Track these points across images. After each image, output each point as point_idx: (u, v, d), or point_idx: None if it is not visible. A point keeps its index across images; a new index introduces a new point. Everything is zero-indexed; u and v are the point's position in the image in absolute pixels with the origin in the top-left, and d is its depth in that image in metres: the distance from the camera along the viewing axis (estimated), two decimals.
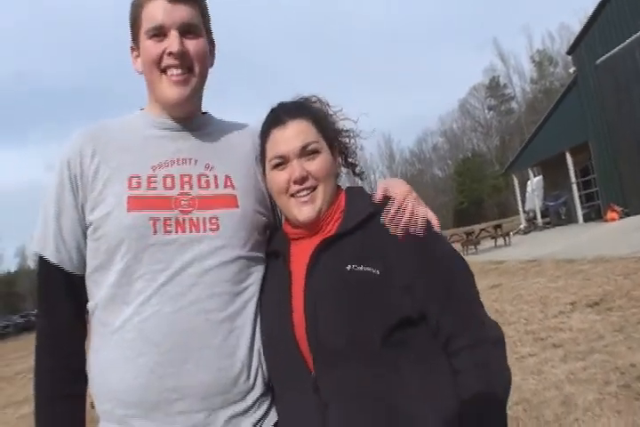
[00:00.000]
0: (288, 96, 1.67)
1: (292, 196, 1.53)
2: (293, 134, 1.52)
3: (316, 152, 1.53)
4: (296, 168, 1.50)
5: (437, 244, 1.49)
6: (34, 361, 1.55)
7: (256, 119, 1.68)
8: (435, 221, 1.51)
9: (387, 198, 1.53)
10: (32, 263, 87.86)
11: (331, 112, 1.66)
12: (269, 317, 1.53)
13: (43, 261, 1.54)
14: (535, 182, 30.03)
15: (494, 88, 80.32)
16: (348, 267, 1.43)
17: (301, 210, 1.52)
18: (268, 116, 1.62)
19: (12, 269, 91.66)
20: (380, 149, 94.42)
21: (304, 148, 1.52)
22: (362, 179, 1.75)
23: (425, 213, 1.50)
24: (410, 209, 1.48)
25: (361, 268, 1.42)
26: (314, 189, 1.52)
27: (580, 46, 23.27)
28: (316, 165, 1.52)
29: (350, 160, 1.70)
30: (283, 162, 1.53)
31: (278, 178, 1.53)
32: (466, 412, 1.34)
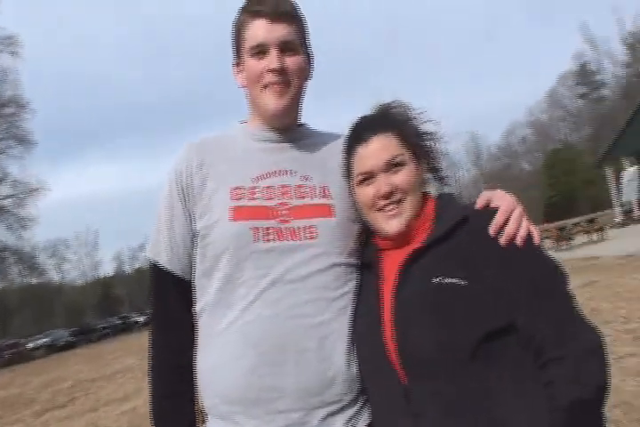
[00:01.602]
0: (368, 100, 1.69)
1: (380, 210, 1.53)
2: (377, 150, 1.54)
3: (400, 165, 1.53)
4: (382, 183, 1.52)
5: (534, 255, 1.44)
6: (149, 359, 1.66)
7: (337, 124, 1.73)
8: (537, 236, 1.46)
9: (487, 207, 1.51)
10: (128, 267, 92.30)
11: (413, 115, 1.64)
12: (361, 328, 1.56)
13: (155, 267, 1.65)
14: (631, 173, 28.49)
15: (584, 75, 76.96)
16: (435, 280, 1.42)
17: (389, 223, 1.53)
18: (351, 132, 1.64)
19: (110, 274, 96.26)
20: (465, 144, 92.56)
21: (388, 162, 1.53)
22: (445, 184, 1.73)
23: (529, 226, 1.46)
24: (517, 220, 1.45)
25: (447, 280, 1.41)
26: (400, 201, 1.52)
27: None
28: (401, 177, 1.53)
29: (434, 165, 1.67)
30: (368, 177, 1.55)
31: (365, 193, 1.55)
32: (558, 425, 1.28)
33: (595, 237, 21.31)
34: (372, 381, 1.54)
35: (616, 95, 70.80)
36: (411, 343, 1.40)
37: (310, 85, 1.74)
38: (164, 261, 1.63)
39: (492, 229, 1.43)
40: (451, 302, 1.39)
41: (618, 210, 29.10)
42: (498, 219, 1.44)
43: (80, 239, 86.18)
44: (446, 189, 1.73)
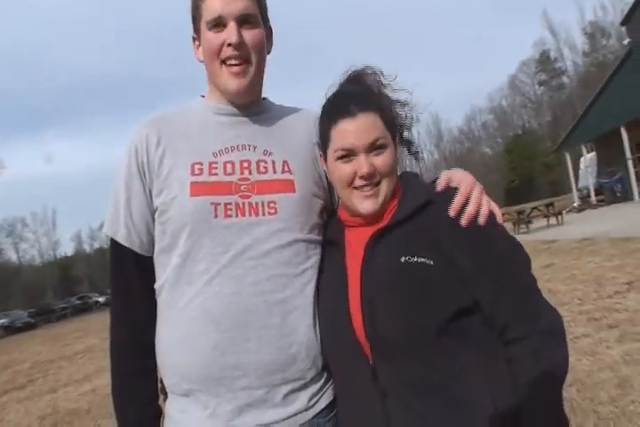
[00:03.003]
0: (339, 67, 1.67)
1: (356, 188, 1.52)
2: (363, 128, 1.49)
3: (382, 147, 1.51)
4: (364, 163, 1.49)
5: (496, 235, 1.46)
6: (109, 337, 1.64)
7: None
8: (499, 214, 1.49)
9: (448, 187, 1.51)
10: (88, 247, 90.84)
11: (385, 82, 1.64)
12: (326, 307, 1.56)
13: (114, 243, 1.62)
14: (588, 159, 29.20)
15: (545, 62, 77.82)
16: (403, 258, 1.43)
17: (364, 203, 1.52)
18: (334, 102, 1.59)
19: (69, 253, 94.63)
20: (427, 128, 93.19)
21: (373, 143, 1.50)
22: (417, 159, 1.74)
23: (490, 204, 1.48)
24: (477, 200, 1.46)
25: (415, 259, 1.42)
26: (378, 184, 1.52)
27: (634, 16, 22.40)
28: (382, 160, 1.50)
29: (406, 136, 1.67)
30: (349, 154, 1.51)
31: (343, 170, 1.52)
32: (521, 400, 1.33)
33: (553, 220, 21.75)
34: (337, 360, 1.54)
35: (575, 83, 71.94)
36: (379, 324, 1.41)
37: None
38: (123, 237, 1.60)
39: (452, 210, 1.44)
40: (419, 281, 1.40)
41: (575, 195, 29.76)
42: (458, 200, 1.45)
43: (38, 218, 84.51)
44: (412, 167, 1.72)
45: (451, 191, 1.50)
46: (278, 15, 1.71)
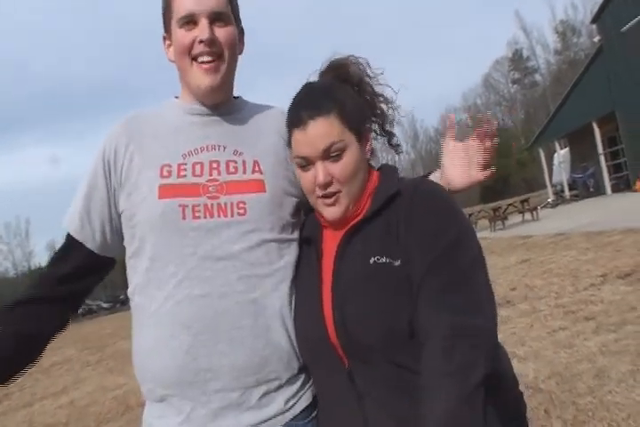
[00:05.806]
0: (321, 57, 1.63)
1: (319, 197, 1.47)
2: (315, 136, 1.41)
3: (340, 151, 1.42)
4: (319, 172, 1.42)
5: (452, 227, 1.35)
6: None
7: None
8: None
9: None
10: None
11: (371, 74, 1.60)
12: (300, 307, 1.52)
13: (67, 236, 1.62)
14: (562, 155, 29.60)
15: (518, 61, 79.01)
16: (372, 259, 1.38)
17: (327, 210, 1.47)
18: (290, 108, 1.51)
19: (43, 263, 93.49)
20: (402, 129, 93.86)
21: (326, 150, 1.42)
22: (397, 152, 1.69)
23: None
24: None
25: (383, 259, 1.37)
26: (338, 192, 1.44)
27: (604, 14, 22.82)
28: (340, 166, 1.42)
29: (387, 128, 1.63)
30: (306, 163, 1.45)
31: (304, 179, 1.48)
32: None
33: (528, 216, 21.97)
34: (312, 363, 1.51)
35: (547, 81, 73.03)
36: (350, 327, 1.37)
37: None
38: (76, 231, 1.59)
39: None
40: (385, 283, 1.35)
41: (550, 190, 30.13)
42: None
43: (10, 229, 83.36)
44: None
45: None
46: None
